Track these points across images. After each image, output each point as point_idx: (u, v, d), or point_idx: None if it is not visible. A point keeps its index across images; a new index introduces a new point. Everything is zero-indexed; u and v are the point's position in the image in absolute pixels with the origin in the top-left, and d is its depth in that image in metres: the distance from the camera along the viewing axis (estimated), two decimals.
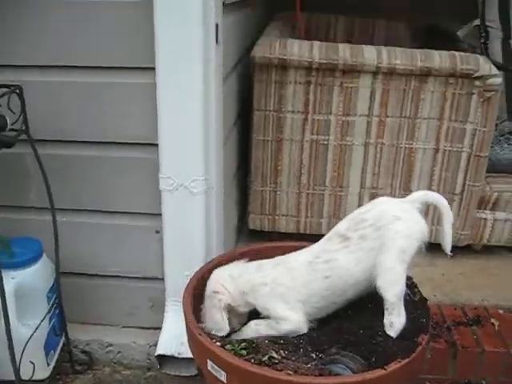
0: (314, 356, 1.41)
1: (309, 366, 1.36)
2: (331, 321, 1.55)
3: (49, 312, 1.85)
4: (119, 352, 2.06)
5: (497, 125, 2.56)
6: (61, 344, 1.98)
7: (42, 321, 1.80)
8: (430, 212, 2.38)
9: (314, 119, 2.29)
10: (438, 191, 2.28)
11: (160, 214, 1.88)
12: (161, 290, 1.96)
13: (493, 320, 2.12)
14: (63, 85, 1.82)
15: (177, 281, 1.86)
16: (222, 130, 1.90)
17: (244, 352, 1.40)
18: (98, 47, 1.76)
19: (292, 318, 1.48)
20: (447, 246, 1.52)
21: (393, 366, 1.33)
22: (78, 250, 2.00)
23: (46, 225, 1.85)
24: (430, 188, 2.36)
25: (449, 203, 2.39)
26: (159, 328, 1.95)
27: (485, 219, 2.45)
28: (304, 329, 1.50)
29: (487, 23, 2.89)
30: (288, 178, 2.38)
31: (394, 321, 1.44)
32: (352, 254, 1.46)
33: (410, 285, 1.62)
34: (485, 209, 2.44)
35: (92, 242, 2.00)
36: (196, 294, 1.59)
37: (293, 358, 1.39)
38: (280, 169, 2.37)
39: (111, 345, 2.06)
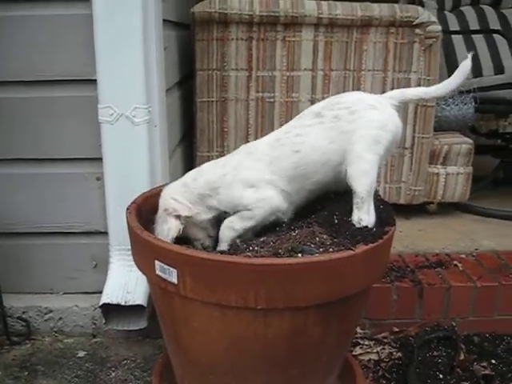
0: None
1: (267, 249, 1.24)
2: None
3: None
4: (60, 318, 1.87)
5: None
6: None
7: None
8: (381, 171, 2.34)
9: (258, 76, 2.24)
10: None
11: (100, 159, 1.75)
12: (104, 246, 1.81)
13: (456, 262, 2.05)
14: None
15: (120, 226, 1.69)
16: (163, 72, 1.81)
17: None
18: None
19: (262, 196, 1.34)
20: None
21: (361, 248, 1.23)
22: (7, 206, 1.84)
23: None
24: None
25: (399, 158, 2.38)
26: None
27: (437, 174, 2.41)
28: (281, 203, 1.35)
29: None
30: (235, 141, 2.29)
31: (363, 218, 1.33)
32: (325, 132, 1.34)
33: None
34: (436, 163, 2.41)
35: (23, 196, 1.84)
36: (141, 214, 1.45)
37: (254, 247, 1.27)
38: (226, 131, 2.28)
39: (51, 311, 1.86)
